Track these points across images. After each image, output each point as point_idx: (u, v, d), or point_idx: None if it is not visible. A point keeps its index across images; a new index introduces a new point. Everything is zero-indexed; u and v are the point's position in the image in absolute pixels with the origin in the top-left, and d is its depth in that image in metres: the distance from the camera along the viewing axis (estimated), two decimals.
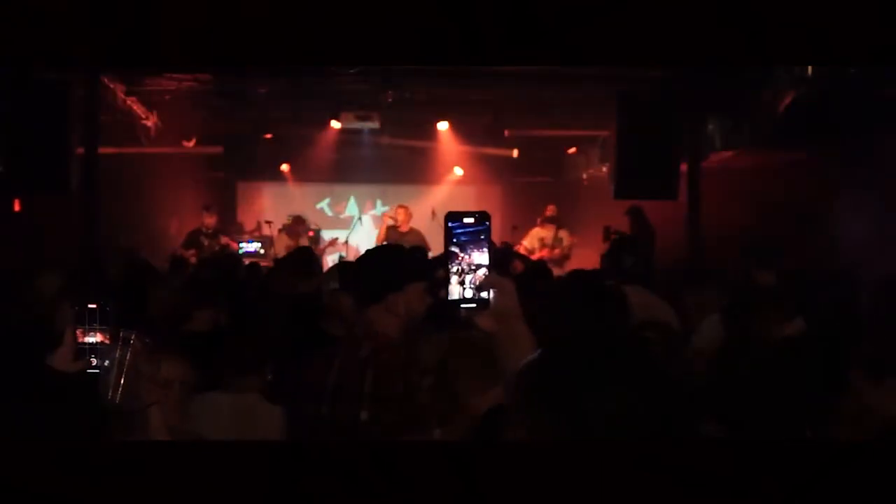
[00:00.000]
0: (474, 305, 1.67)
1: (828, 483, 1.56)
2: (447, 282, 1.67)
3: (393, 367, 2.73)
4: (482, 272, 1.67)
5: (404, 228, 10.52)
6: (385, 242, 10.00)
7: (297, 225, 12.41)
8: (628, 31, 2.02)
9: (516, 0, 2.00)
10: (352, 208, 14.79)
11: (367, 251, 3.14)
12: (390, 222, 10.69)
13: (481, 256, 1.67)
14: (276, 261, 8.85)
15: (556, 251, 11.21)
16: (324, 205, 14.97)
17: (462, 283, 1.67)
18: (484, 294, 1.67)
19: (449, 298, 1.67)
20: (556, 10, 1.99)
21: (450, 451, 1.62)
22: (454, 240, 1.67)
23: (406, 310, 2.82)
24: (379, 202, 14.69)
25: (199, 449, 1.80)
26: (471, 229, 1.68)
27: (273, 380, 3.41)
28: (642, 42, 2.04)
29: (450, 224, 1.69)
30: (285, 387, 3.32)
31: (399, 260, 2.96)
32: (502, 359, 1.70)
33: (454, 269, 1.67)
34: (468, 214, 1.69)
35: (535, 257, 10.48)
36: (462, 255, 1.67)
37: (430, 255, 4.27)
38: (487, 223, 1.69)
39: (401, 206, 10.87)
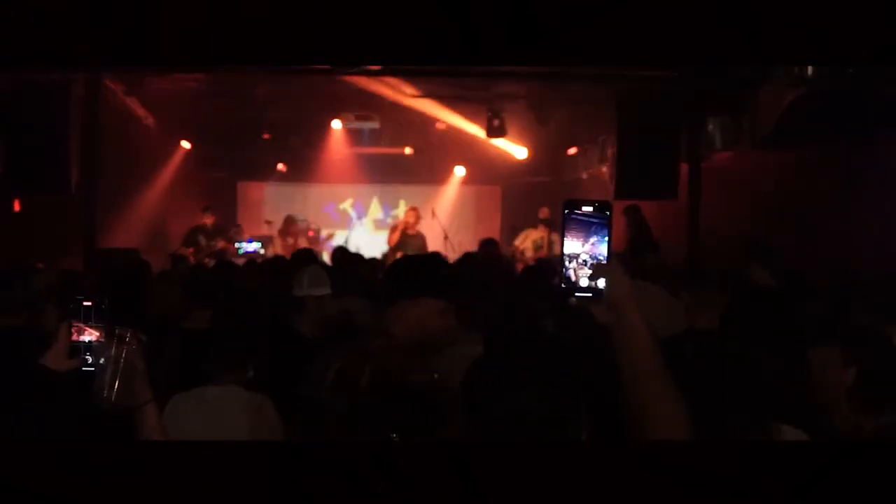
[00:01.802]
0: (589, 295, 1.62)
1: (828, 483, 1.56)
2: (561, 269, 1.63)
3: (389, 365, 2.75)
4: (597, 261, 1.62)
5: (412, 231, 10.65)
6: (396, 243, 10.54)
7: (289, 225, 12.88)
8: (628, 31, 2.02)
9: (516, 0, 2.00)
10: (374, 209, 14.84)
11: (396, 260, 3.21)
12: (403, 225, 10.85)
13: (599, 246, 1.62)
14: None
15: (542, 252, 11.25)
16: (346, 205, 14.96)
17: (576, 271, 1.62)
18: (598, 284, 1.62)
19: (562, 286, 1.63)
20: (556, 10, 1.99)
21: (450, 451, 1.62)
22: (573, 228, 1.63)
23: (417, 319, 2.83)
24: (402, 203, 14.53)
25: (198, 449, 1.80)
26: (591, 219, 1.63)
27: (254, 377, 3.45)
28: (642, 42, 2.04)
29: (566, 212, 1.64)
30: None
31: (417, 271, 2.99)
32: (617, 351, 1.64)
33: (569, 258, 1.63)
34: (588, 203, 1.64)
35: (526, 258, 10.60)
36: (578, 243, 1.62)
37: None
38: (608, 213, 1.63)
39: (412, 209, 10.98)
